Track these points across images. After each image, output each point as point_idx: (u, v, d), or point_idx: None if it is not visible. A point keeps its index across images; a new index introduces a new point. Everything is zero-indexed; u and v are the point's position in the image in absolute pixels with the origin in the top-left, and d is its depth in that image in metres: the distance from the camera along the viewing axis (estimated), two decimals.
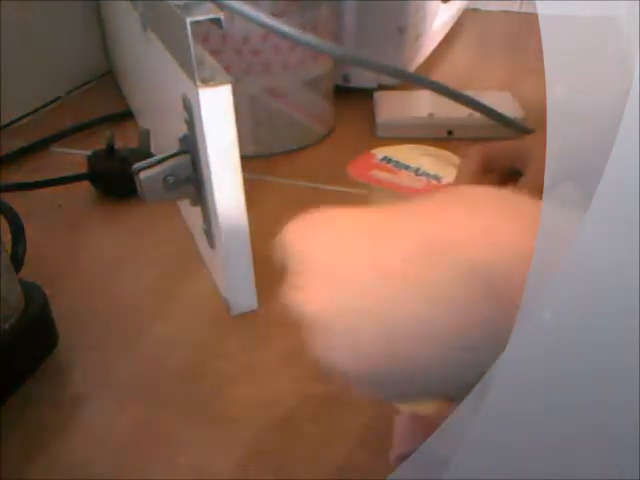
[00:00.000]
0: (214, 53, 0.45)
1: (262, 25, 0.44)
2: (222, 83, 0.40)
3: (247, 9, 0.43)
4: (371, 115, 0.76)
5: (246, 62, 0.65)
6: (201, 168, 0.44)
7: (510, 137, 0.73)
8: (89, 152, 0.65)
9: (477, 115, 0.74)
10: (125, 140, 0.64)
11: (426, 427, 0.38)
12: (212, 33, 0.62)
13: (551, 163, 0.32)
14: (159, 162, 0.45)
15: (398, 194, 0.55)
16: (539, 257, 0.24)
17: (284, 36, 0.45)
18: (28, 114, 0.81)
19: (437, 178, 0.56)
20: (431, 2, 0.87)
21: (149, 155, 0.60)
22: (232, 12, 0.42)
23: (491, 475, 0.31)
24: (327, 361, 0.27)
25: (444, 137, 0.74)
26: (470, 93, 0.84)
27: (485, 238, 0.24)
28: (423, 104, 0.79)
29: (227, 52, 0.64)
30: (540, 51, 0.39)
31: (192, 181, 0.46)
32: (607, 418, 0.24)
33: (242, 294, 0.48)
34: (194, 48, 0.39)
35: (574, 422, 0.26)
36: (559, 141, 0.33)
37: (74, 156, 0.72)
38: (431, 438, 0.37)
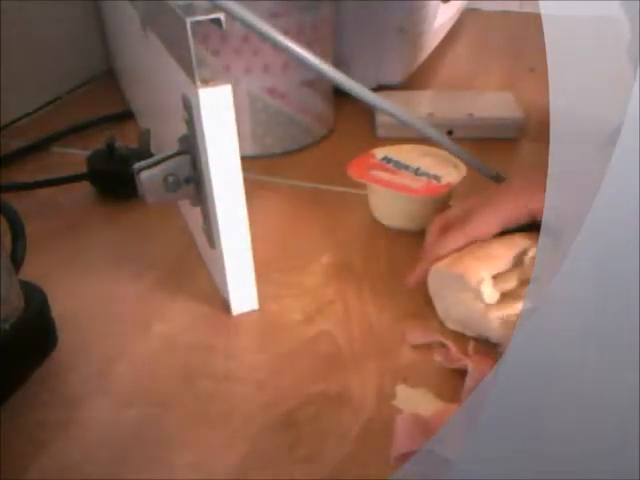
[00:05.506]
0: (214, 53, 0.45)
1: (259, 33, 0.44)
2: (222, 83, 0.40)
3: (246, 14, 0.43)
4: (371, 115, 0.77)
5: (246, 62, 0.65)
6: (201, 168, 0.44)
7: (510, 138, 0.73)
8: (89, 152, 0.65)
9: (477, 115, 0.74)
10: (125, 140, 0.64)
11: (427, 428, 0.38)
12: (212, 33, 0.62)
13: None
14: (159, 162, 0.45)
15: (398, 194, 0.55)
16: None
17: (280, 48, 0.45)
18: (28, 114, 0.81)
19: (437, 178, 0.56)
20: (431, 2, 0.87)
21: (149, 155, 0.60)
22: (231, 15, 0.42)
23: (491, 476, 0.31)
24: None
25: None
26: (470, 93, 0.84)
27: None
28: (423, 104, 0.80)
29: (227, 52, 0.64)
30: (540, 51, 0.39)
31: (192, 181, 0.46)
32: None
33: (242, 294, 0.48)
34: (194, 48, 0.39)
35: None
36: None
37: (74, 156, 0.72)
38: (432, 439, 0.37)
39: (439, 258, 0.47)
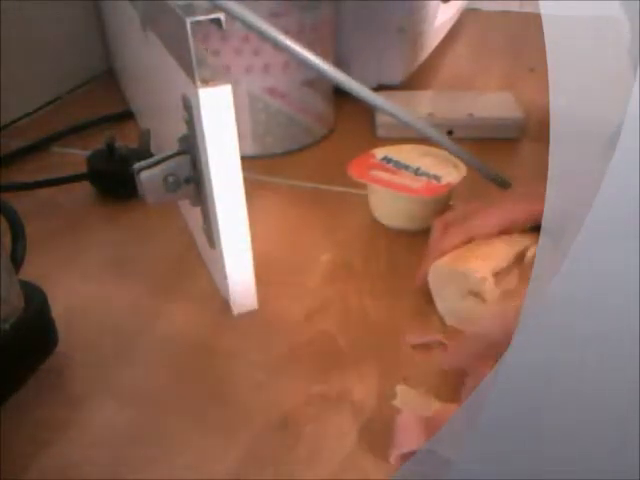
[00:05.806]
0: (214, 53, 0.45)
1: (260, 33, 0.44)
2: (222, 83, 0.40)
3: (246, 14, 0.43)
4: (371, 115, 0.77)
5: (246, 62, 0.65)
6: (201, 168, 0.44)
7: (510, 138, 0.73)
8: (89, 152, 0.65)
9: (477, 115, 0.74)
10: (125, 140, 0.64)
11: (427, 428, 0.38)
12: (212, 33, 0.62)
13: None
14: (159, 162, 0.45)
15: (398, 194, 0.55)
16: None
17: (280, 47, 0.45)
18: (28, 114, 0.81)
19: (437, 178, 0.56)
20: (431, 2, 0.87)
21: (149, 155, 0.60)
22: (231, 15, 0.42)
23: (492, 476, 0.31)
24: None
25: None
26: (470, 93, 0.84)
27: None
28: (423, 104, 0.80)
29: (227, 52, 0.64)
30: (540, 51, 0.39)
31: (192, 181, 0.46)
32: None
33: (242, 294, 0.48)
34: (194, 48, 0.39)
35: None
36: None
37: (74, 156, 0.72)
38: (432, 439, 0.37)
39: (441, 254, 0.47)
